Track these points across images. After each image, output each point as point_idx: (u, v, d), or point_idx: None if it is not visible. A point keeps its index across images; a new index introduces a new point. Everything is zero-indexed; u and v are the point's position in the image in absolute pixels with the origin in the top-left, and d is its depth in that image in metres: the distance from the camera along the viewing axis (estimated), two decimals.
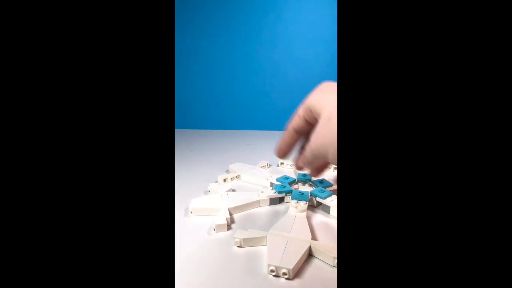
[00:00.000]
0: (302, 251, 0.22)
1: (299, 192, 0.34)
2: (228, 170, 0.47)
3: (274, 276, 0.21)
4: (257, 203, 0.34)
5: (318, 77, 0.98)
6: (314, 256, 0.24)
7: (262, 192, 0.35)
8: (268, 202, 0.34)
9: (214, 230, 0.28)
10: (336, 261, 0.22)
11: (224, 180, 0.40)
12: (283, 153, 0.26)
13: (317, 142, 0.21)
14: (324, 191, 0.33)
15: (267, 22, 0.97)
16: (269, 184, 0.39)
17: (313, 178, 0.39)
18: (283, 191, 0.34)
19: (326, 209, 0.32)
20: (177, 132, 0.89)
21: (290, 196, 0.34)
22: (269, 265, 0.21)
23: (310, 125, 0.24)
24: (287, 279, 0.21)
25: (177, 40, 0.99)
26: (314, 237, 0.26)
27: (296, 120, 0.24)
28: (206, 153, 0.62)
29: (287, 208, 0.33)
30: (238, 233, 0.26)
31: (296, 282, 0.20)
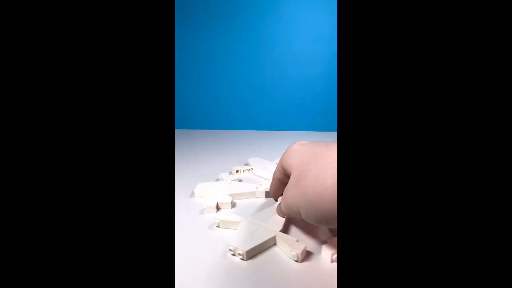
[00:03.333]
0: (264, 238, 0.24)
1: None
2: (247, 163, 0.50)
3: (232, 255, 0.23)
4: (253, 194, 0.36)
5: (318, 77, 0.99)
6: (279, 247, 0.25)
7: (260, 185, 0.37)
8: (264, 195, 0.36)
9: (205, 210, 0.32)
10: (293, 254, 0.23)
11: (237, 171, 0.45)
12: (274, 197, 0.31)
13: (288, 200, 0.23)
14: None
15: (267, 22, 0.97)
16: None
17: None
18: None
19: None
20: (177, 132, 0.89)
21: None
22: (228, 245, 0.24)
23: (288, 177, 0.27)
24: (241, 259, 0.23)
25: (177, 40, 0.99)
26: (287, 231, 0.27)
27: (277, 173, 0.28)
28: (206, 153, 0.62)
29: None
30: (219, 215, 0.29)
31: (247, 263, 0.22)
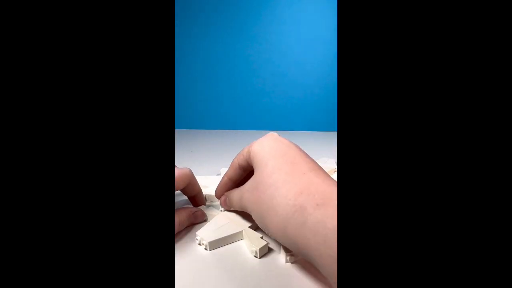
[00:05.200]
0: (229, 232, 0.25)
1: None
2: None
3: (198, 244, 0.25)
4: None
5: (318, 77, 0.99)
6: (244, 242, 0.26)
7: None
8: None
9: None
10: (252, 249, 0.23)
11: None
12: (222, 190, 0.30)
13: (243, 201, 0.24)
14: None
15: (267, 22, 0.97)
16: None
17: None
18: None
19: None
20: (177, 132, 0.89)
21: None
22: (196, 235, 0.25)
23: (244, 174, 0.27)
24: (205, 249, 0.24)
25: (177, 40, 0.99)
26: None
27: (241, 158, 0.27)
28: (206, 153, 0.62)
29: None
30: (200, 207, 0.31)
31: (209, 253, 0.24)
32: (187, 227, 0.28)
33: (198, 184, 0.31)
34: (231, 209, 0.28)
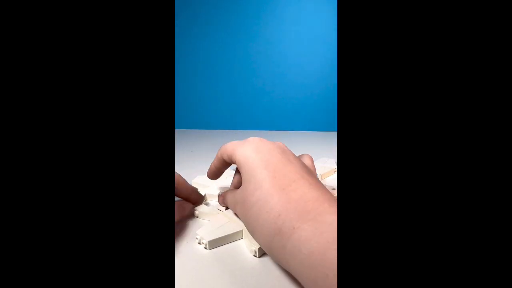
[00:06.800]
0: (229, 232, 0.25)
1: None
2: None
3: (198, 243, 0.25)
4: None
5: (318, 77, 0.99)
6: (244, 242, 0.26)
7: None
8: None
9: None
10: (252, 249, 0.24)
11: None
12: (213, 176, 0.30)
13: (235, 210, 0.24)
14: None
15: (267, 22, 0.97)
16: None
17: None
18: None
19: None
20: (177, 132, 0.89)
21: None
22: (196, 234, 0.25)
23: (228, 166, 0.28)
24: (204, 248, 0.25)
25: (177, 40, 0.99)
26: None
27: (225, 156, 0.27)
28: (206, 153, 0.62)
29: None
30: (200, 207, 0.31)
31: (209, 252, 0.24)
32: (187, 221, 0.29)
33: (188, 184, 0.31)
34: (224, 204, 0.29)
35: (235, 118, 1.04)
